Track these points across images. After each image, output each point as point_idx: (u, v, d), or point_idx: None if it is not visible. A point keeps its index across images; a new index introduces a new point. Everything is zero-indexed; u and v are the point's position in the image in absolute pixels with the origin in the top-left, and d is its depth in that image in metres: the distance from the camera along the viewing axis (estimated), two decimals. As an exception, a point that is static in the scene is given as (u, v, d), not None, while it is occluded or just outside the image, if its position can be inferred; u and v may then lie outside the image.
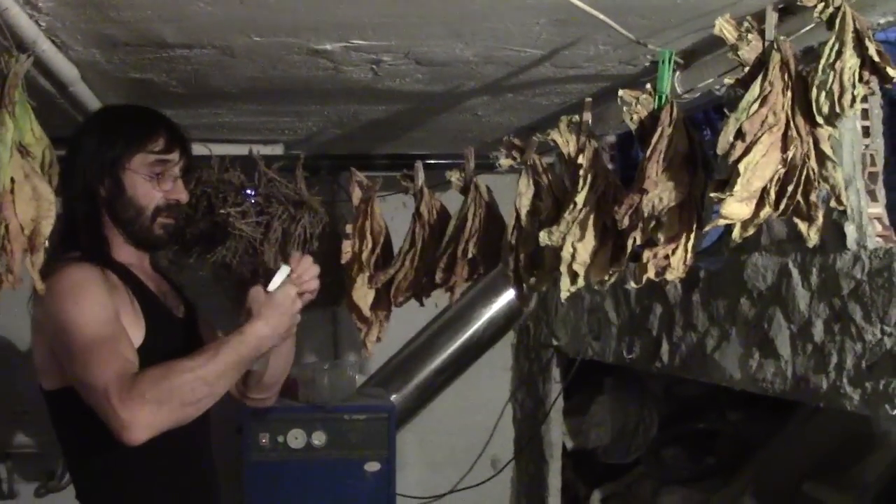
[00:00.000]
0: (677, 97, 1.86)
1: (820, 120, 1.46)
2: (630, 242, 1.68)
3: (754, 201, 1.51)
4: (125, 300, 1.80)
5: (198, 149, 2.68)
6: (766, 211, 1.51)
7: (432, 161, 2.82)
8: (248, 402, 2.12)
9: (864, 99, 1.49)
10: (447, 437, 3.69)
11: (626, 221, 1.64)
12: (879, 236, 1.85)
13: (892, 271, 1.69)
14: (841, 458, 2.88)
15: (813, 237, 1.55)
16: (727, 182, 1.49)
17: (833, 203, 1.54)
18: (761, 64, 1.51)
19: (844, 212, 1.81)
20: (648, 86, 1.69)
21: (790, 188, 1.50)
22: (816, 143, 1.50)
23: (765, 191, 1.50)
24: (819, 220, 1.54)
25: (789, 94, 1.49)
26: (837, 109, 1.43)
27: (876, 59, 1.41)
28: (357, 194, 2.22)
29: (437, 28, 1.83)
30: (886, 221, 1.89)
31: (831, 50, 1.43)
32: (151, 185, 1.87)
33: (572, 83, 2.26)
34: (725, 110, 1.55)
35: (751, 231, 1.55)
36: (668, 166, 1.62)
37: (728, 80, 1.58)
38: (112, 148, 1.85)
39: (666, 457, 3.61)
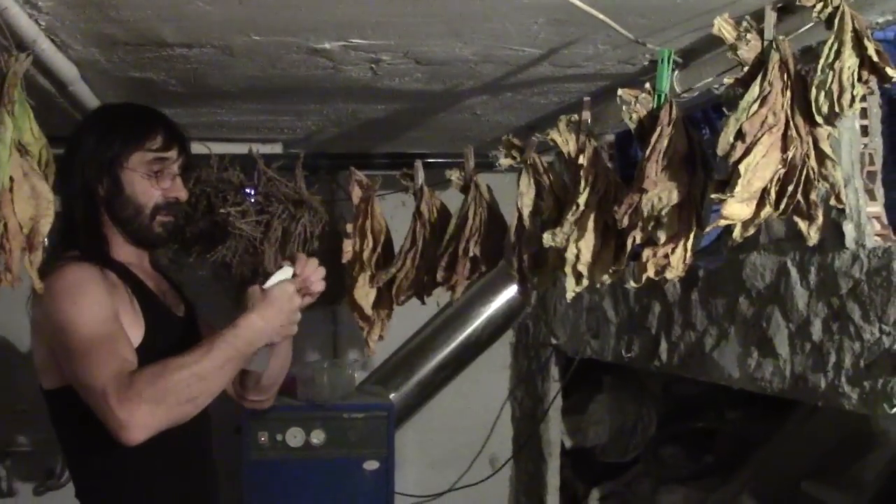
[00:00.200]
0: (676, 96, 1.86)
1: (819, 119, 1.46)
2: (630, 242, 1.69)
3: (755, 201, 1.51)
4: (124, 299, 1.79)
5: (197, 148, 2.69)
6: (767, 211, 1.52)
7: (432, 160, 2.82)
8: (247, 403, 2.11)
9: (863, 98, 1.49)
10: (446, 436, 3.69)
11: (625, 221, 1.64)
12: (878, 235, 1.85)
13: (890, 270, 1.69)
14: (839, 456, 2.88)
15: (813, 236, 1.55)
16: (727, 183, 1.49)
17: (832, 202, 1.55)
18: (760, 63, 1.51)
19: (843, 211, 1.81)
20: (647, 85, 1.69)
21: (790, 188, 1.50)
22: (816, 142, 1.50)
23: (765, 191, 1.50)
24: (819, 219, 1.54)
25: (789, 93, 1.49)
26: (837, 109, 1.43)
27: (875, 58, 1.41)
28: (357, 193, 2.22)
29: (436, 27, 1.83)
30: (885, 220, 1.90)
31: (830, 49, 1.43)
32: (150, 183, 1.86)
33: (571, 82, 2.26)
34: (725, 110, 1.55)
35: (751, 231, 1.55)
36: (667, 166, 1.62)
37: (727, 80, 1.58)
38: (110, 147, 1.85)
39: (664, 455, 3.62)
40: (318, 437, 2.96)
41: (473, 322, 3.46)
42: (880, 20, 1.68)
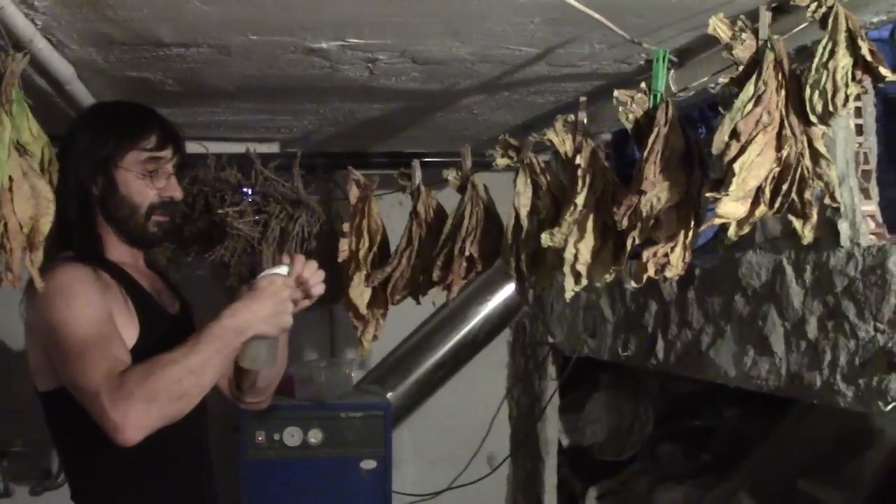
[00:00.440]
0: (672, 96, 1.86)
1: (813, 119, 1.47)
2: (630, 242, 1.69)
3: (749, 200, 1.52)
4: (118, 300, 1.78)
5: (194, 147, 2.69)
6: (762, 209, 1.52)
7: (429, 159, 2.82)
8: (242, 405, 2.11)
9: (858, 97, 1.50)
10: (443, 435, 3.69)
11: (625, 222, 1.65)
12: (873, 234, 1.86)
13: (885, 268, 1.69)
14: (836, 455, 2.88)
15: (808, 235, 1.56)
16: (723, 181, 1.50)
17: (827, 200, 1.55)
18: (755, 63, 1.52)
19: (838, 209, 1.82)
20: (643, 85, 1.69)
21: (785, 187, 1.50)
22: (810, 141, 1.51)
23: (760, 189, 1.51)
24: (814, 217, 1.55)
25: (783, 92, 1.50)
26: (831, 108, 1.44)
27: (869, 58, 1.42)
28: (354, 193, 2.22)
29: (433, 27, 1.83)
30: (880, 219, 1.90)
31: (824, 49, 1.44)
32: (145, 182, 1.85)
33: (567, 81, 2.27)
34: (721, 109, 1.56)
35: (746, 229, 1.56)
36: (665, 166, 1.63)
37: (723, 79, 1.59)
38: (104, 146, 1.84)
39: (661, 454, 3.62)
40: (315, 436, 2.96)
41: (471, 321, 3.46)
42: (875, 20, 1.69)
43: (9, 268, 1.55)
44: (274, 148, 3.08)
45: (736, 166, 1.46)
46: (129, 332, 1.76)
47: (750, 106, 1.49)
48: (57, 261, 1.76)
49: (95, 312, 1.70)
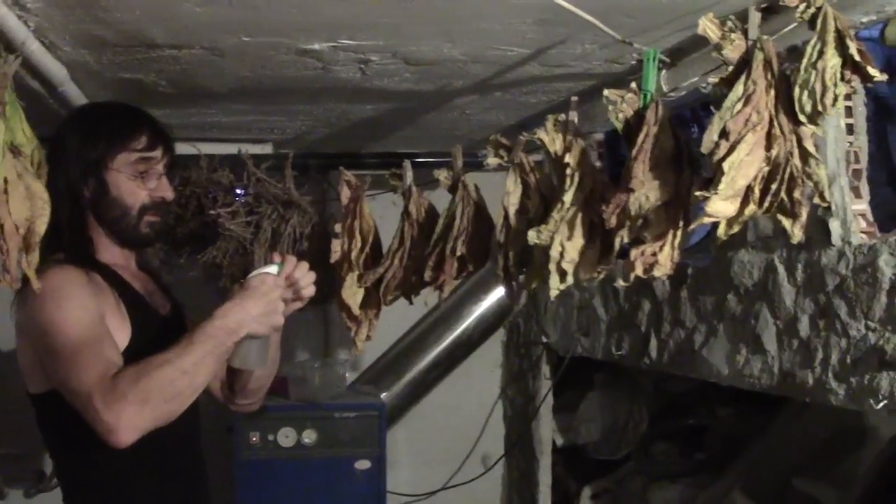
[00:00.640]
0: (663, 95, 1.87)
1: (802, 118, 1.47)
2: (618, 241, 1.70)
3: (739, 199, 1.52)
4: (110, 302, 1.78)
5: (187, 148, 2.69)
6: (751, 209, 1.53)
7: (421, 160, 2.83)
8: (234, 407, 2.10)
9: (848, 97, 1.51)
10: (438, 435, 3.69)
11: (613, 221, 1.65)
12: (863, 232, 1.86)
13: (875, 267, 1.70)
14: (830, 453, 2.89)
15: (797, 234, 1.56)
16: (712, 180, 1.50)
17: (816, 200, 1.56)
18: (745, 63, 1.53)
19: (829, 208, 1.83)
20: (634, 84, 1.70)
21: (774, 186, 1.51)
22: (800, 141, 1.51)
23: (749, 189, 1.52)
24: (803, 217, 1.55)
25: (773, 92, 1.51)
26: (819, 108, 1.44)
27: (857, 58, 1.43)
28: (346, 193, 2.23)
29: (425, 28, 1.83)
30: (870, 217, 1.91)
31: (813, 49, 1.45)
32: (136, 183, 1.85)
33: (559, 81, 2.27)
34: (713, 108, 1.56)
35: (736, 229, 1.56)
36: (654, 165, 1.64)
37: (713, 79, 1.60)
38: (94, 148, 1.83)
39: (656, 453, 3.63)
40: (309, 436, 2.96)
41: (465, 321, 3.46)
42: (864, 20, 1.69)
43: (6, 269, 1.55)
44: (267, 149, 3.08)
45: (725, 165, 1.47)
46: (121, 333, 1.76)
47: (739, 105, 1.49)
48: (48, 263, 1.74)
49: (87, 315, 1.70)
